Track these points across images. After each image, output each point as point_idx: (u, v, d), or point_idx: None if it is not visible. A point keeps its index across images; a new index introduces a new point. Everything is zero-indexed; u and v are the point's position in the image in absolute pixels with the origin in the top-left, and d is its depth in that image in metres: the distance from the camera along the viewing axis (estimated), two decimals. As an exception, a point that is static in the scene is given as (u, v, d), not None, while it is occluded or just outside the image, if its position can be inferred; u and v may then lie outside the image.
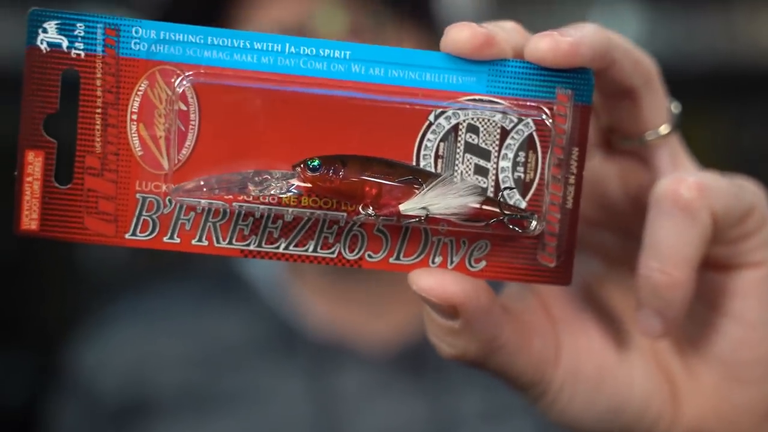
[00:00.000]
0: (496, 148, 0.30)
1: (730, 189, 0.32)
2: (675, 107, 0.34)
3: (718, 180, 0.32)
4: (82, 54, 0.29)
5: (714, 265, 0.33)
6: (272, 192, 0.28)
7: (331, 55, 0.29)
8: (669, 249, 0.31)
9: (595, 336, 0.34)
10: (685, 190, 0.31)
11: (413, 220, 0.29)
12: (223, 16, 0.66)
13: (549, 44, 0.29)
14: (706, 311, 0.34)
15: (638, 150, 0.34)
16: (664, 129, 0.33)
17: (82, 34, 0.29)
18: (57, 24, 0.29)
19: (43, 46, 0.29)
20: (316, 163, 0.28)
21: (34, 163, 0.30)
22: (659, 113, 0.33)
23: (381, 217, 0.29)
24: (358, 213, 0.29)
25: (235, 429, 0.70)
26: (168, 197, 0.29)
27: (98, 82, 0.29)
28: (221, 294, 0.77)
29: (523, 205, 0.30)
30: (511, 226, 0.29)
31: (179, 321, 0.76)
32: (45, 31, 0.29)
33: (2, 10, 1.71)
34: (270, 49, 0.29)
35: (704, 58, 1.70)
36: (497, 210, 0.29)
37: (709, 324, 0.34)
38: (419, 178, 0.29)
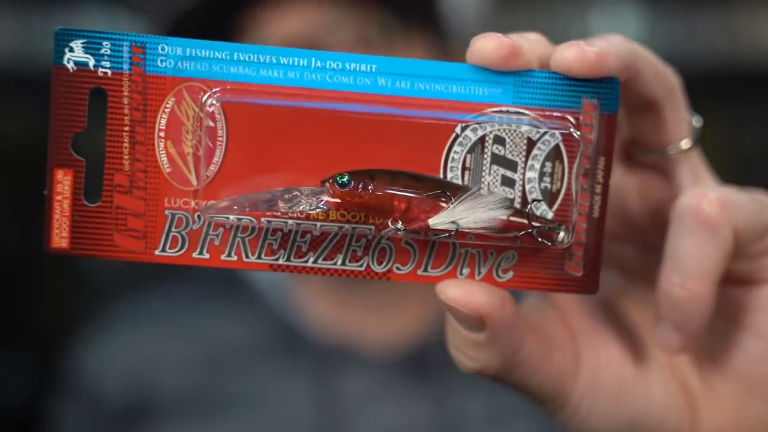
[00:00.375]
0: (523, 159, 0.30)
1: (751, 205, 0.32)
2: (696, 121, 0.34)
3: (740, 196, 0.32)
4: (109, 72, 0.29)
5: (734, 280, 0.33)
6: (302, 208, 0.28)
7: (358, 68, 0.29)
8: (690, 264, 0.31)
9: (614, 349, 0.34)
10: (707, 205, 0.31)
11: (443, 235, 0.29)
12: (233, 27, 0.66)
13: (575, 54, 0.29)
14: (725, 325, 0.34)
15: (659, 163, 0.34)
16: (685, 144, 0.33)
17: (109, 52, 0.29)
18: (83, 43, 0.29)
19: (70, 65, 0.29)
20: (345, 179, 0.28)
21: (63, 182, 0.30)
22: (681, 127, 0.33)
23: (410, 232, 0.29)
24: (387, 227, 0.29)
25: (238, 431, 0.70)
26: (197, 213, 0.30)
27: (125, 100, 0.29)
28: (224, 296, 0.76)
29: (550, 215, 0.30)
30: (540, 239, 0.29)
31: (181, 323, 0.75)
32: (71, 50, 0.29)
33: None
34: (296, 63, 0.29)
35: (704, 58, 1.70)
36: (526, 222, 0.29)
37: (728, 338, 0.34)
38: (447, 192, 0.29)
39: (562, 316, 0.34)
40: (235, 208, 0.28)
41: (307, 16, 0.66)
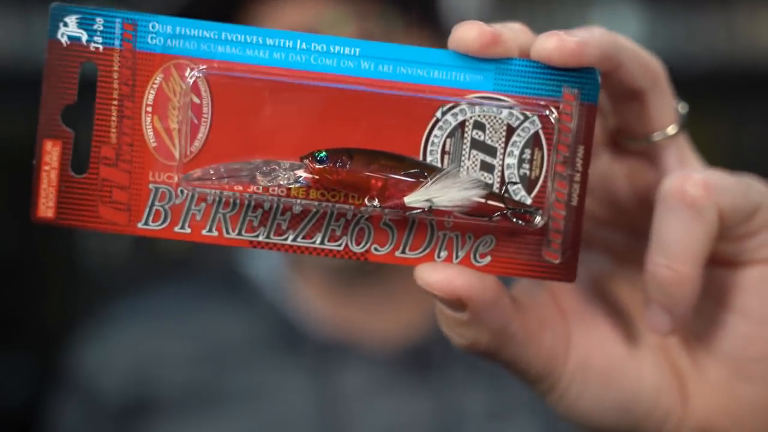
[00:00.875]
0: (502, 145, 0.30)
1: (736, 187, 0.32)
2: (682, 107, 0.34)
3: (725, 178, 0.32)
4: (101, 48, 0.30)
5: (721, 262, 0.33)
6: (280, 182, 0.29)
7: (341, 51, 0.30)
8: (676, 245, 0.31)
9: (604, 331, 0.34)
10: (692, 187, 0.31)
11: (417, 211, 0.29)
12: (233, 22, 0.67)
13: (555, 43, 0.29)
14: (713, 307, 0.34)
15: (646, 150, 0.34)
16: (671, 129, 0.34)
17: (101, 28, 0.30)
18: (77, 18, 0.30)
19: (64, 40, 0.30)
20: (323, 155, 0.29)
21: (51, 153, 0.30)
22: (667, 114, 0.33)
23: (386, 209, 0.29)
24: (365, 206, 0.29)
25: (238, 427, 0.71)
26: (180, 188, 0.30)
27: (115, 75, 0.30)
28: (223, 293, 0.77)
29: (529, 201, 0.30)
30: (514, 220, 0.29)
31: (181, 320, 0.76)
32: (66, 25, 0.30)
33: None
34: (281, 45, 0.30)
35: (704, 58, 1.71)
36: (501, 204, 0.29)
37: (716, 320, 0.34)
38: (425, 172, 0.29)
39: (554, 298, 0.34)
40: (214, 177, 0.29)
41: (307, 12, 0.67)
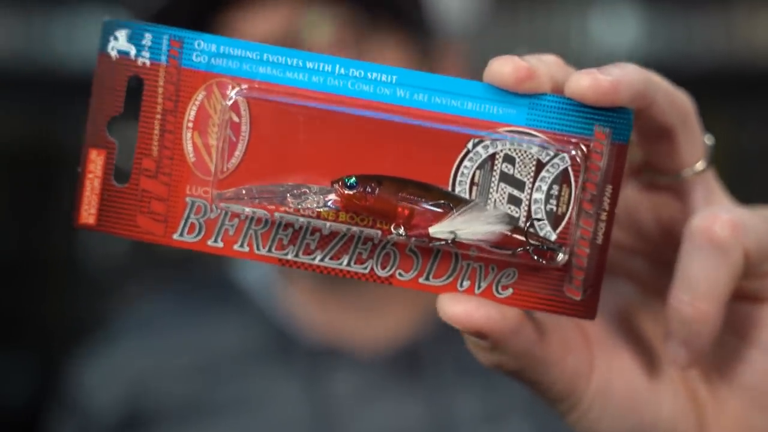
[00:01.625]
0: (531, 180, 0.30)
1: (763, 226, 0.32)
2: (708, 139, 0.34)
3: (753, 217, 0.32)
4: (148, 63, 0.31)
5: (745, 297, 0.34)
6: (309, 205, 0.30)
7: (379, 78, 0.30)
8: (700, 283, 0.31)
9: (627, 358, 0.35)
10: (719, 227, 0.31)
11: (441, 242, 0.29)
12: (209, 26, 0.68)
13: (590, 82, 0.29)
14: (735, 341, 0.35)
15: (673, 184, 0.34)
16: (699, 166, 0.34)
17: (150, 44, 0.31)
18: (127, 33, 0.31)
19: (113, 53, 0.31)
20: (353, 180, 0.29)
21: (96, 161, 0.31)
22: (695, 150, 0.33)
23: (412, 238, 0.30)
24: (390, 232, 0.30)
25: (237, 431, 0.72)
26: (214, 203, 0.31)
27: (160, 90, 0.31)
28: (216, 303, 0.78)
29: (553, 237, 0.30)
30: (536, 257, 0.29)
31: (175, 333, 0.77)
32: (116, 39, 0.31)
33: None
34: (321, 69, 0.31)
35: (703, 58, 1.72)
36: (523, 239, 0.29)
37: (737, 353, 0.35)
38: (451, 203, 0.29)
39: (578, 324, 0.34)
40: (246, 198, 0.30)
41: (284, 17, 0.67)
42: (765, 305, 0.34)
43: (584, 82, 0.29)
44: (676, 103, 0.32)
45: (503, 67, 0.30)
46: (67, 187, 0.30)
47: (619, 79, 0.29)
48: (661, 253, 0.35)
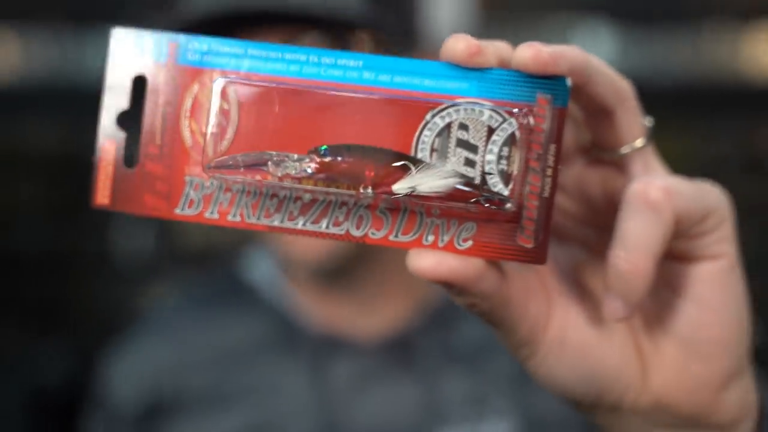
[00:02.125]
0: (483, 144, 0.34)
1: (693, 192, 0.36)
2: (648, 121, 0.38)
3: (684, 184, 0.36)
4: (150, 63, 0.36)
5: (679, 257, 0.37)
6: (288, 171, 0.34)
7: (347, 64, 0.35)
8: (634, 241, 0.35)
9: (579, 312, 0.38)
10: (653, 191, 0.35)
11: (402, 195, 0.33)
12: None
13: (532, 53, 0.33)
14: (671, 296, 0.38)
15: (616, 159, 0.38)
16: (638, 143, 0.37)
17: (151, 47, 0.36)
18: (132, 39, 0.36)
19: (120, 57, 0.36)
20: (325, 148, 0.33)
21: (108, 150, 0.36)
22: (634, 129, 0.37)
23: (380, 195, 0.33)
24: (360, 193, 0.34)
25: (247, 419, 0.77)
26: (210, 179, 0.35)
27: (160, 86, 0.36)
28: (229, 300, 0.85)
29: (506, 192, 0.34)
30: (487, 205, 0.33)
31: (192, 331, 0.84)
32: (122, 44, 0.36)
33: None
34: (296, 59, 0.35)
35: (673, 76, 1.99)
36: (476, 192, 0.33)
37: (674, 307, 0.38)
38: (411, 164, 0.33)
39: (540, 277, 0.38)
40: (231, 162, 0.34)
41: (279, 41, 0.71)
42: (696, 264, 0.37)
43: (527, 53, 0.33)
44: (615, 85, 0.36)
45: (456, 44, 0.34)
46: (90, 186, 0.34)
47: (557, 51, 0.33)
48: (607, 220, 0.38)
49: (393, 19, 0.72)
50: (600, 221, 0.40)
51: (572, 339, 0.37)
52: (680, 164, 0.39)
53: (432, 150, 0.34)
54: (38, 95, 2.14)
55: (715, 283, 0.37)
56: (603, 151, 0.39)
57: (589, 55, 0.35)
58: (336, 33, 0.68)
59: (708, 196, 0.36)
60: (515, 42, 0.36)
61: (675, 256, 0.37)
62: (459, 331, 0.80)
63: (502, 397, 0.76)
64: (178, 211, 0.36)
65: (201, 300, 0.87)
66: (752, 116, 2.15)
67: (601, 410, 0.38)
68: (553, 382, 0.37)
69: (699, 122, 2.04)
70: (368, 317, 0.81)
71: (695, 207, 0.36)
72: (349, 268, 0.76)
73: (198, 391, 0.80)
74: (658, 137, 0.39)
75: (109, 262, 2.19)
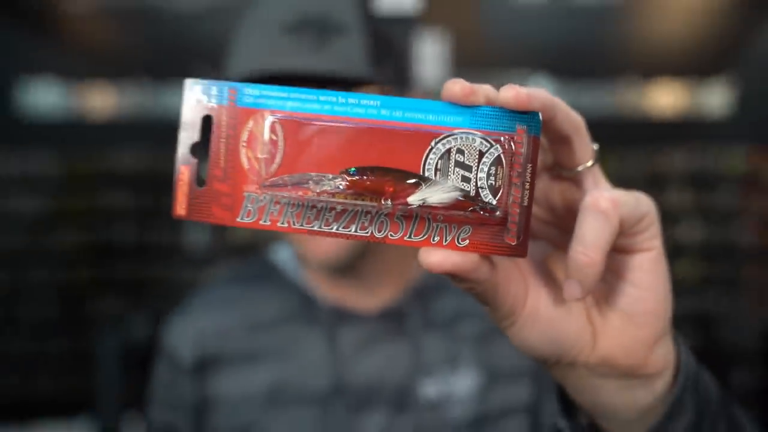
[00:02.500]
0: (476, 164, 0.36)
1: (632, 201, 0.42)
2: (595, 146, 0.40)
3: (625, 195, 0.43)
4: (215, 105, 0.38)
5: (621, 250, 0.44)
6: (325, 188, 0.36)
7: (368, 104, 0.37)
8: (589, 239, 0.41)
9: (548, 292, 0.45)
10: (603, 201, 0.41)
11: (416, 206, 0.35)
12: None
13: (513, 92, 0.36)
14: (616, 280, 0.44)
15: (573, 177, 0.44)
16: (589, 163, 0.44)
17: (215, 93, 0.38)
18: (201, 88, 0.38)
19: (192, 101, 0.38)
20: (353, 170, 0.36)
21: (184, 173, 0.39)
22: (586, 152, 0.42)
23: (396, 206, 0.35)
24: (382, 204, 0.36)
25: (274, 374, 0.87)
26: (263, 194, 0.37)
27: (223, 122, 0.38)
28: (261, 279, 0.94)
29: (495, 202, 0.36)
30: (482, 213, 0.35)
31: (232, 304, 0.93)
32: (194, 91, 0.38)
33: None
34: (329, 100, 0.37)
35: (595, 115, 2.59)
36: (473, 202, 0.35)
37: (617, 288, 0.44)
38: (421, 181, 0.35)
39: (518, 267, 0.44)
40: (280, 182, 0.36)
41: None
42: (633, 255, 0.43)
43: (510, 93, 0.36)
44: (571, 117, 0.41)
45: (454, 87, 0.37)
46: (171, 200, 0.37)
47: (531, 92, 0.36)
48: (567, 223, 0.45)
49: (391, 73, 0.79)
50: (562, 224, 0.47)
51: (542, 313, 0.43)
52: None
53: (436, 170, 0.36)
54: (129, 130, 2.81)
55: (648, 269, 0.43)
56: (563, 169, 0.43)
57: (554, 97, 0.37)
58: (350, 87, 0.72)
59: (642, 204, 0.43)
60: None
61: (618, 249, 0.43)
62: (436, 305, 0.92)
63: (469, 354, 0.86)
64: (239, 219, 0.38)
65: (240, 279, 0.97)
66: (652, 145, 2.80)
67: (560, 366, 0.44)
68: (527, 345, 0.43)
69: (614, 149, 2.70)
70: (368, 297, 0.91)
71: (634, 212, 0.42)
72: (353, 264, 0.87)
73: (234, 351, 0.90)
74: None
75: (179, 252, 2.81)
